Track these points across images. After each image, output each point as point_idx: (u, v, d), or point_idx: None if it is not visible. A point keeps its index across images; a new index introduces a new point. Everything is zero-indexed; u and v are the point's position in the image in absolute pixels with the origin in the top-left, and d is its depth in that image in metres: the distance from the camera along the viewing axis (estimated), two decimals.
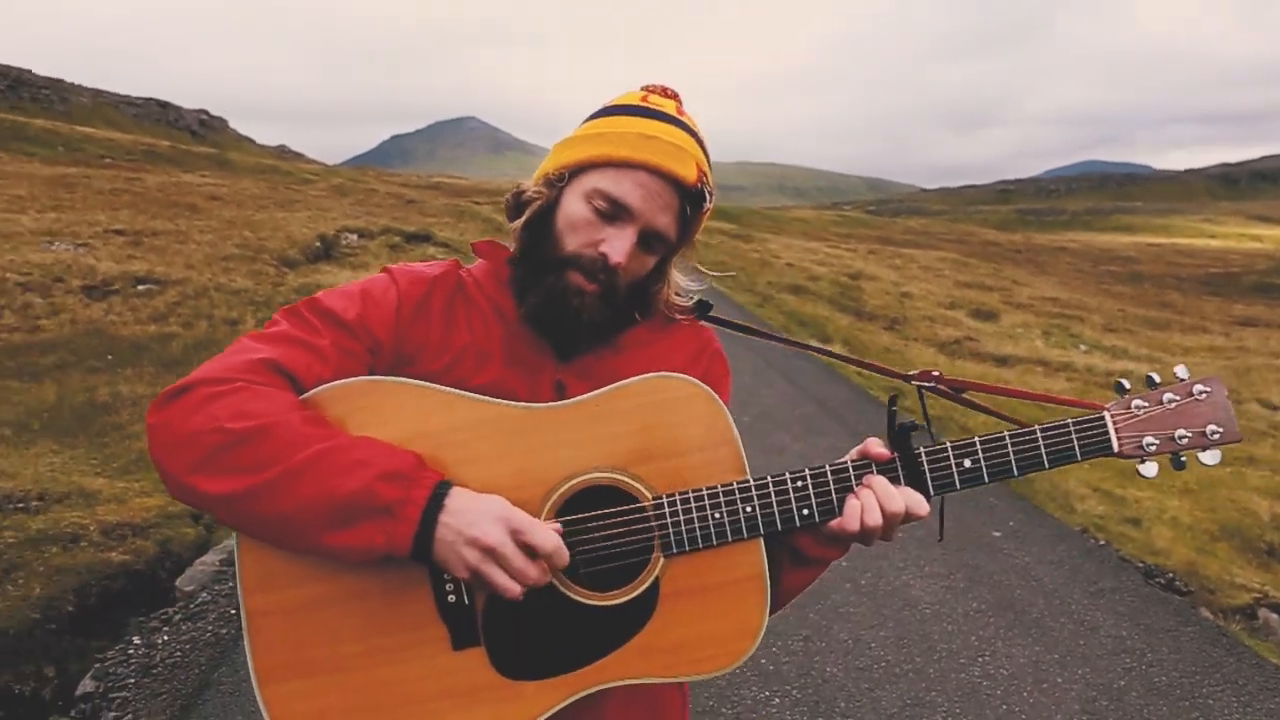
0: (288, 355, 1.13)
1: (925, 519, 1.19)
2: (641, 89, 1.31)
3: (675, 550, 1.16)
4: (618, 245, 1.19)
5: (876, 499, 1.17)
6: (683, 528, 1.15)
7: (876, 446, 1.23)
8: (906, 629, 3.95)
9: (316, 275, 14.25)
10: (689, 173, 1.20)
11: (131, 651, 3.57)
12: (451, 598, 1.12)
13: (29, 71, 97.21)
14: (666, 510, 1.16)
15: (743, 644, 1.16)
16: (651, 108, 1.26)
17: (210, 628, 3.77)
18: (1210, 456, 1.23)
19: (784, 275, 22.84)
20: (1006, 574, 4.51)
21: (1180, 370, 1.26)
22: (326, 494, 1.01)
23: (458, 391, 1.16)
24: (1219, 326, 26.80)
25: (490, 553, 1.02)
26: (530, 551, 1.05)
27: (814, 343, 12.04)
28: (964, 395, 1.38)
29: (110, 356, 8.54)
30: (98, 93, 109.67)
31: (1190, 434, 1.23)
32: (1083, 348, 18.37)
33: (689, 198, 1.22)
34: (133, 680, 3.36)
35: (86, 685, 3.32)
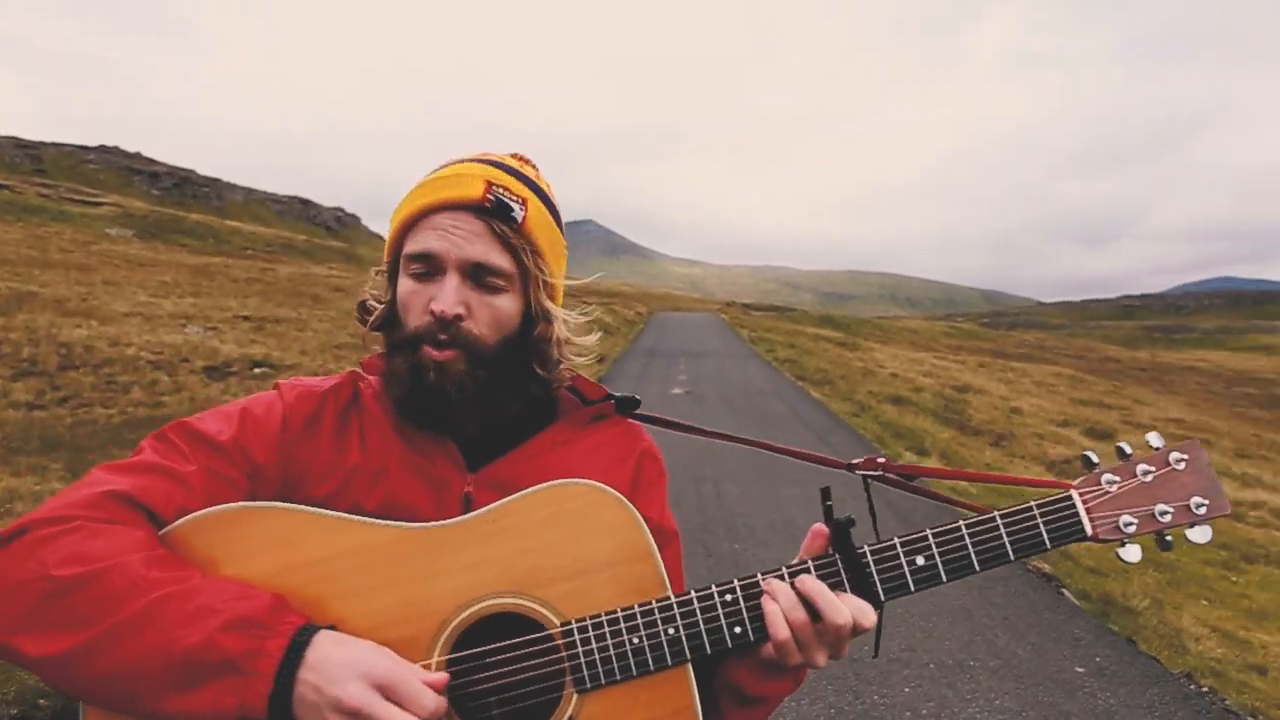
0: (142, 485, 1.00)
1: (870, 630, 1.03)
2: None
3: (589, 685, 1.00)
4: (442, 295, 1.07)
5: (802, 596, 1.02)
6: (596, 657, 1.00)
7: (817, 545, 1.08)
8: None
9: None
10: (473, 191, 1.09)
11: None
12: None
13: (193, 172, 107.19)
14: (577, 638, 1.01)
15: None
16: (440, 164, 1.18)
17: None
18: (1199, 534, 1.07)
19: (886, 385, 22.36)
20: (1086, 716, 4.14)
21: (1153, 438, 1.11)
22: (164, 649, 0.87)
23: (335, 514, 1.04)
24: None
25: (355, 715, 0.89)
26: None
27: (909, 458, 11.57)
28: (916, 483, 1.21)
29: None
30: (250, 190, 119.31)
31: (1173, 509, 1.07)
32: None
33: (491, 215, 1.09)
34: None
35: None
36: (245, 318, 16.69)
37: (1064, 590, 6.13)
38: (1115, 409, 27.65)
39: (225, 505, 1.02)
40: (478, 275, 1.09)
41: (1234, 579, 7.91)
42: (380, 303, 1.17)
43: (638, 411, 1.28)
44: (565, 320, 1.19)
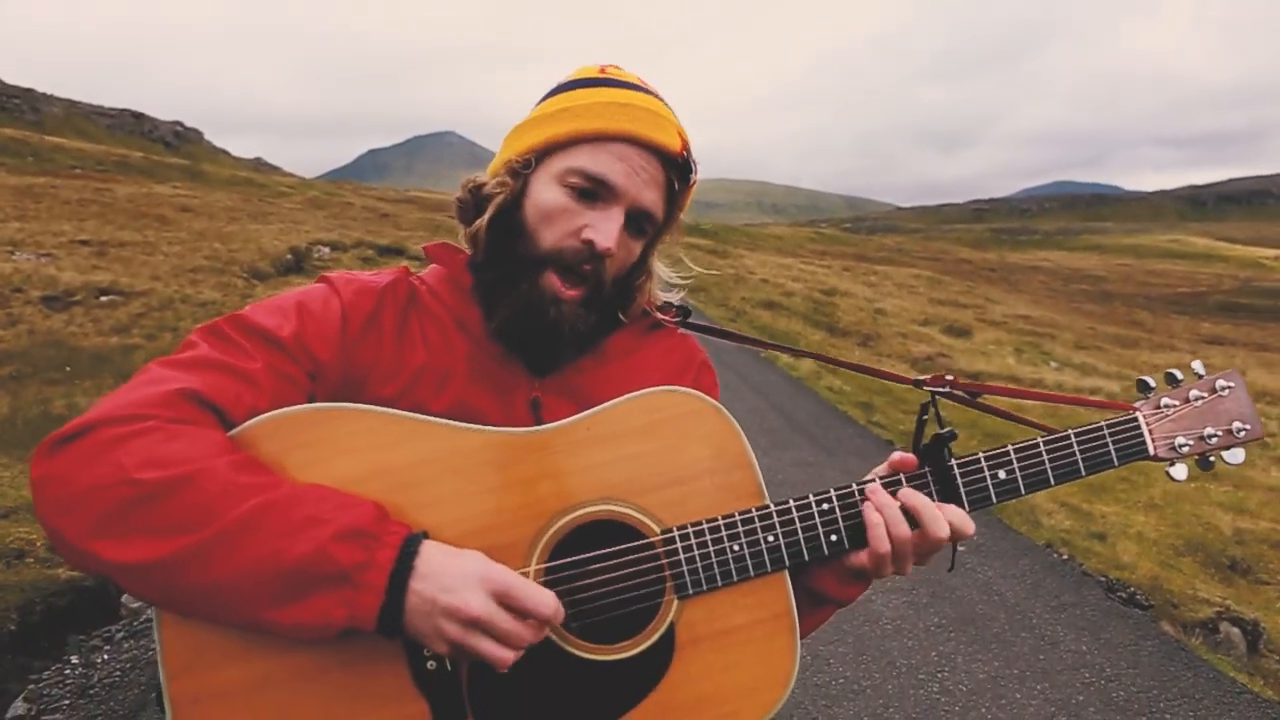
0: (211, 383, 0.94)
1: (972, 537, 1.06)
2: (596, 66, 1.17)
3: (691, 590, 1.01)
4: (605, 229, 1.04)
5: (906, 509, 1.04)
6: (698, 564, 1.02)
7: (904, 458, 1.10)
8: (866, 645, 3.91)
9: (287, 288, 14.10)
10: (672, 141, 1.07)
11: (69, 671, 3.45)
12: (431, 664, 0.96)
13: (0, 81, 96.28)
14: (679, 545, 1.02)
15: (774, 693, 1.02)
16: (614, 78, 1.12)
17: (152, 646, 3.66)
18: (1235, 455, 1.15)
19: (758, 291, 22.90)
20: (969, 589, 4.49)
21: (1197, 366, 1.18)
22: (270, 561, 0.84)
23: (420, 417, 1.00)
24: (1186, 344, 27.18)
25: (475, 624, 0.87)
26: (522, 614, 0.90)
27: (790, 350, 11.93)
28: (980, 400, 1.25)
29: (69, 368, 8.37)
30: (71, 103, 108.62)
31: (1219, 432, 1.15)
32: (1054, 365, 18.53)
33: (675, 170, 1.09)
34: (67, 702, 3.25)
35: (18, 708, 3.21)
36: (84, 242, 15.33)
37: None
38: (970, 308, 29.34)
39: (299, 406, 0.98)
40: (636, 221, 1.08)
41: None
42: (500, 190, 1.09)
43: (690, 320, 1.28)
44: (659, 273, 1.20)
